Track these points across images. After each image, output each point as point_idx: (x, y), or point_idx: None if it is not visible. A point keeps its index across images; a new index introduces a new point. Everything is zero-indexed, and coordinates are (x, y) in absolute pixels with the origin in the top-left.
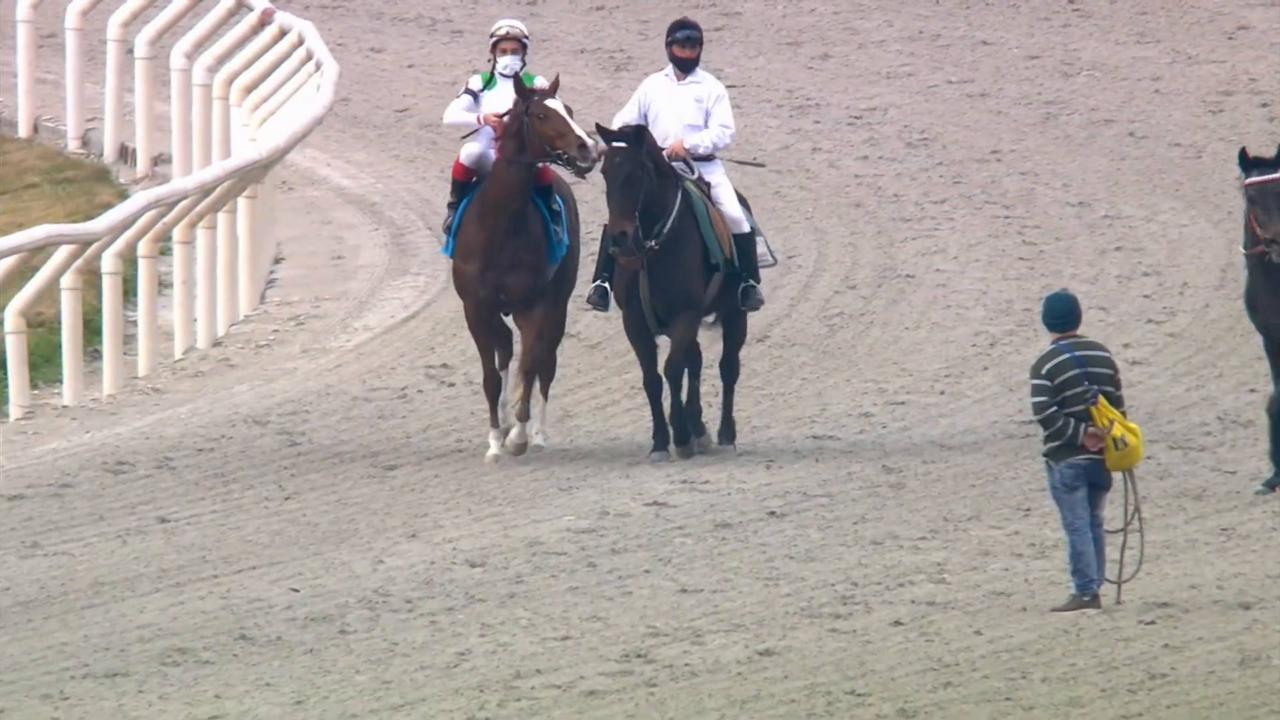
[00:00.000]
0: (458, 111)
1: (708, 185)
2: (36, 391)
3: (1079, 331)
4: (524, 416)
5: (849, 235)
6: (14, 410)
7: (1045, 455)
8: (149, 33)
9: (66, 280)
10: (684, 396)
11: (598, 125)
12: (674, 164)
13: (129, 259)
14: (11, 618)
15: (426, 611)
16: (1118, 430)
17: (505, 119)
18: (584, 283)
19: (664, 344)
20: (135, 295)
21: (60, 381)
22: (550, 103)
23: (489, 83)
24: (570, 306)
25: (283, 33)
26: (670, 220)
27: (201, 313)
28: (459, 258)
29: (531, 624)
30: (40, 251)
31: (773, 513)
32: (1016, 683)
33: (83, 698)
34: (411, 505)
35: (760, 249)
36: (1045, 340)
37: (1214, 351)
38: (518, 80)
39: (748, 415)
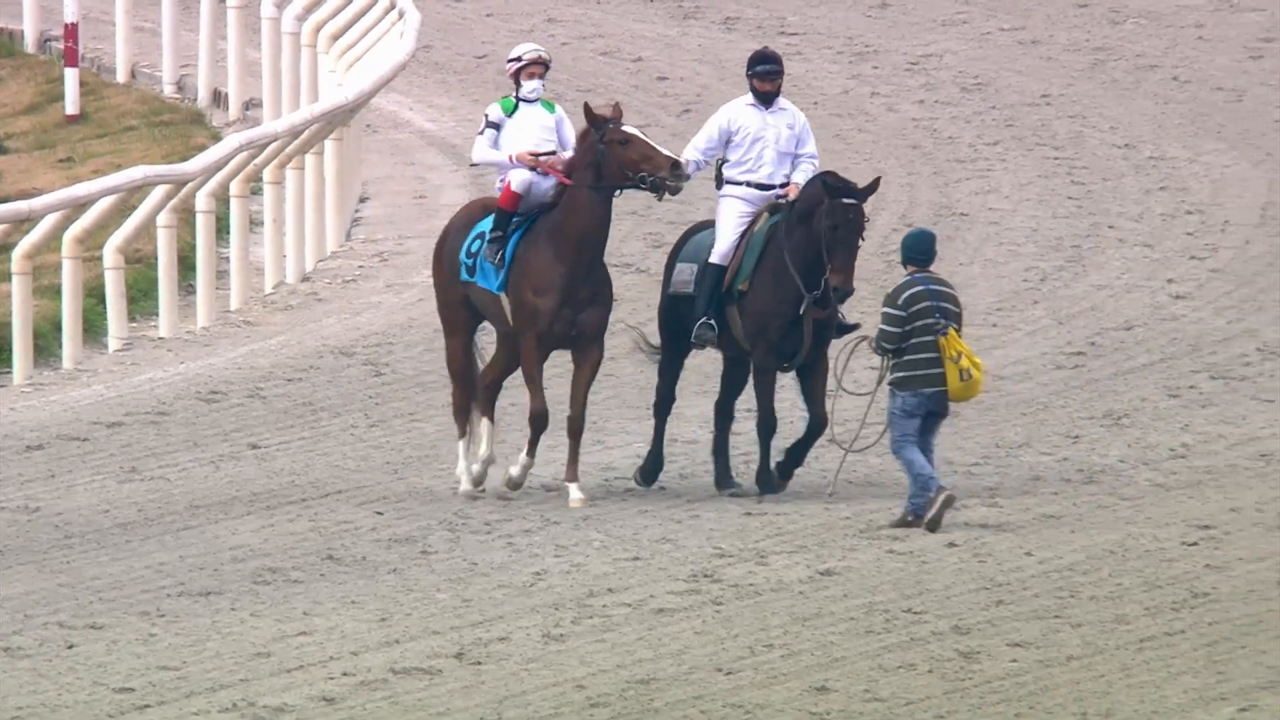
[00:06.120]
0: (485, 149)
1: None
2: (135, 324)
3: (931, 269)
4: (575, 478)
5: (906, 176)
6: (113, 342)
7: (892, 384)
8: None
9: (163, 219)
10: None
11: (826, 174)
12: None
13: (222, 198)
14: (112, 539)
15: (505, 533)
16: (965, 362)
17: (574, 150)
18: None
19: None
20: (228, 233)
21: (157, 315)
22: (627, 128)
23: (511, 110)
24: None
25: None
26: None
27: (291, 249)
28: (530, 291)
29: (604, 545)
30: (138, 191)
31: (833, 439)
32: (1066, 601)
33: (179, 615)
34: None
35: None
36: (1094, 276)
37: (1254, 286)
38: (588, 108)
39: None
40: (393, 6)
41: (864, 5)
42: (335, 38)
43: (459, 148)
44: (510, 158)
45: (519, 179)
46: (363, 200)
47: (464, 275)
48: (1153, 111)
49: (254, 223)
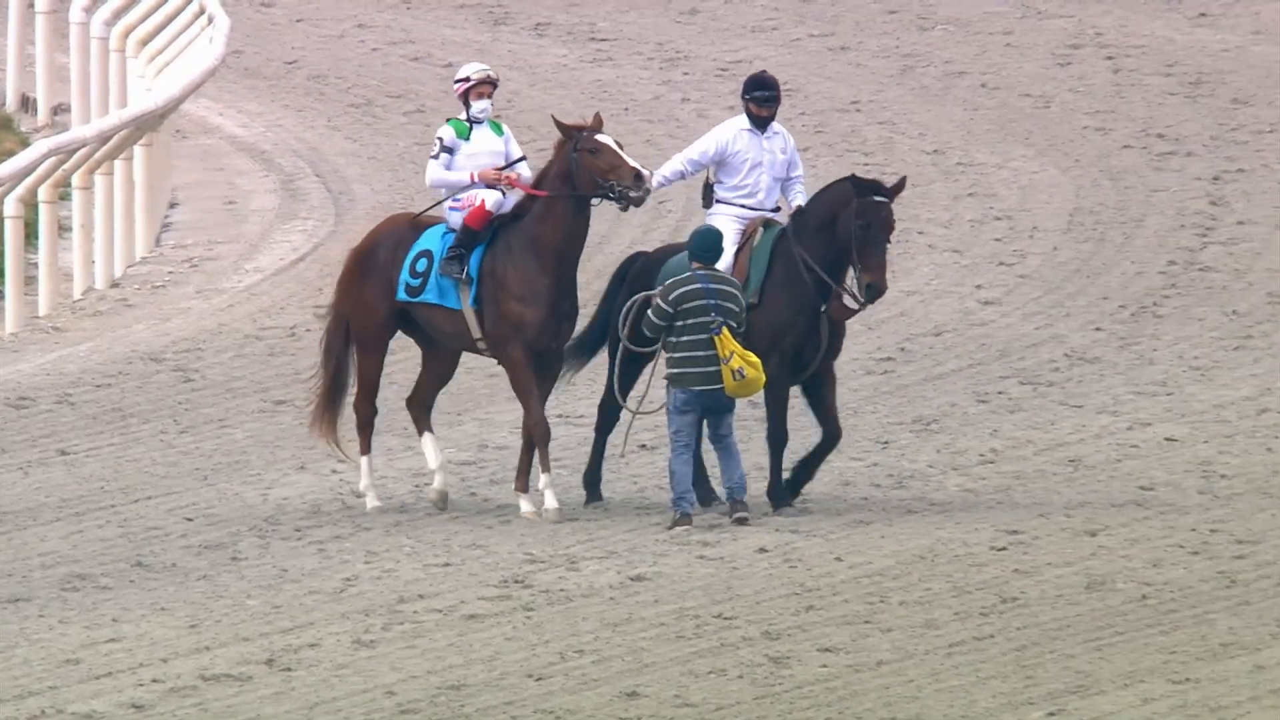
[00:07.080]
0: (440, 172)
1: None
2: None
3: (715, 267)
4: (547, 468)
5: None
6: None
7: (667, 379)
8: None
9: None
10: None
11: (854, 176)
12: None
13: (30, 204)
14: None
15: (315, 539)
16: (736, 362)
17: (551, 160)
18: None
19: None
20: (36, 238)
21: None
22: (600, 137)
23: (466, 134)
24: None
25: None
26: None
27: (100, 255)
28: (514, 302)
29: (415, 551)
30: None
31: (644, 445)
32: (875, 606)
33: None
34: (300, 438)
35: None
36: (904, 282)
37: (1062, 292)
38: (558, 121)
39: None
40: (202, 12)
41: (674, 11)
42: (144, 43)
43: (268, 153)
44: (472, 176)
45: (493, 199)
46: (172, 206)
47: (403, 295)
48: (961, 118)
49: (63, 228)
